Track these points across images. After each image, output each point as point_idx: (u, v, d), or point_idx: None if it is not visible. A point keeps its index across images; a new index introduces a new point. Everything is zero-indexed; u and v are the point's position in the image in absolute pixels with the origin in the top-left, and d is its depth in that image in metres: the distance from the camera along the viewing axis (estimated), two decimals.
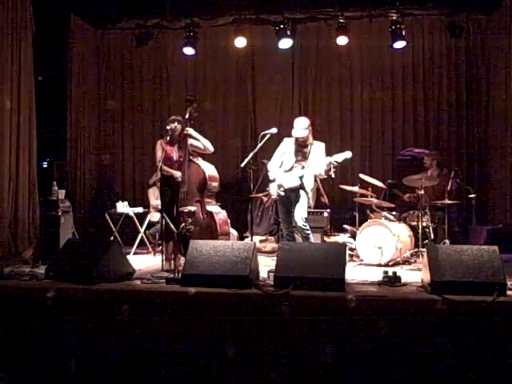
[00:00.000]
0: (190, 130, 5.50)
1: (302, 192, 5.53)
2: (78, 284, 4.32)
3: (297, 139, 5.60)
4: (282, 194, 5.55)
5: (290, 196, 5.58)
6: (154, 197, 7.11)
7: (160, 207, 6.82)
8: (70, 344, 4.06)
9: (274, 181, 5.63)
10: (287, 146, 5.68)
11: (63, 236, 5.86)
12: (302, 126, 5.57)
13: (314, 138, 5.69)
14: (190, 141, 5.52)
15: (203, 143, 5.57)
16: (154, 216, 6.94)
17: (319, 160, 5.48)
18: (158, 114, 8.79)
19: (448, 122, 8.32)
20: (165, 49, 8.79)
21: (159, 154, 5.54)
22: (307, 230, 5.54)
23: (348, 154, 5.44)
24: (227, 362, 3.89)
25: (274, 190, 5.61)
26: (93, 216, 8.14)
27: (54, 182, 6.27)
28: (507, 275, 4.06)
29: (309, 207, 5.65)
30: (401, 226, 6.24)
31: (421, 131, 8.41)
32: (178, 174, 5.47)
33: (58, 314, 4.15)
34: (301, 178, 5.51)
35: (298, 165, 5.57)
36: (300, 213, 5.50)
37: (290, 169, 5.60)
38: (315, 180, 5.60)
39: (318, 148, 5.60)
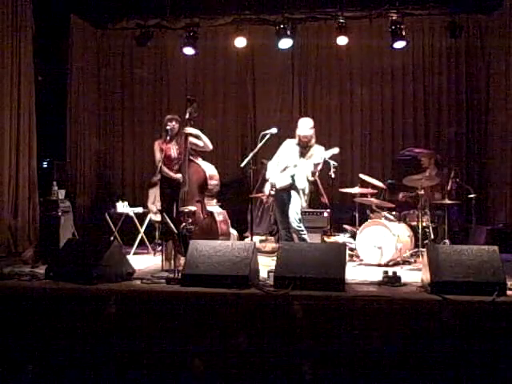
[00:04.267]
0: (190, 129, 5.49)
1: (294, 192, 5.55)
2: (78, 284, 4.32)
3: (300, 139, 5.63)
4: (273, 193, 5.59)
5: (283, 196, 5.60)
6: (152, 199, 7.08)
7: (154, 210, 6.84)
8: (71, 344, 4.06)
9: (268, 180, 5.67)
10: (288, 147, 5.71)
11: (63, 236, 5.88)
12: (307, 125, 5.64)
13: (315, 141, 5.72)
14: (190, 138, 5.52)
15: (203, 140, 5.57)
16: (156, 216, 6.93)
17: (311, 161, 5.49)
18: (157, 113, 8.77)
19: (448, 122, 8.32)
20: (165, 49, 8.79)
21: (158, 155, 5.55)
22: (302, 230, 5.55)
23: (335, 150, 5.47)
24: (227, 362, 3.89)
25: (267, 190, 5.66)
26: (93, 216, 8.15)
27: (54, 182, 6.28)
28: (507, 275, 4.07)
29: (302, 208, 5.65)
30: (401, 226, 6.24)
31: (421, 131, 8.40)
32: (177, 176, 5.46)
33: (58, 314, 4.14)
34: (292, 176, 5.53)
35: (292, 165, 5.59)
36: (293, 214, 5.52)
37: (284, 169, 5.63)
38: (307, 180, 5.61)
39: (316, 151, 5.61)
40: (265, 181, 5.79)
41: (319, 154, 5.56)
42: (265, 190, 5.73)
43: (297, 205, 5.52)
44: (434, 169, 6.92)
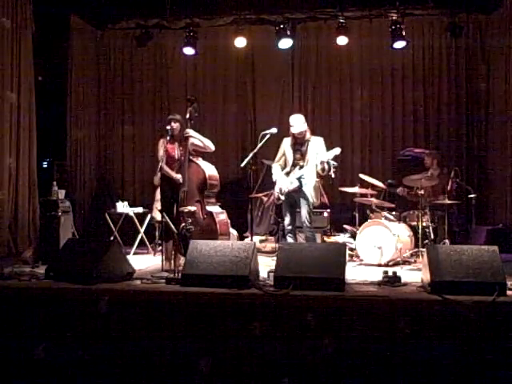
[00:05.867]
0: (191, 132, 5.50)
1: (302, 192, 5.57)
2: (78, 284, 4.32)
3: (295, 137, 5.62)
4: (283, 198, 5.62)
5: (294, 196, 5.64)
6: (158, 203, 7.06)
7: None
8: (70, 344, 4.06)
9: (276, 183, 5.70)
10: (286, 146, 5.72)
11: (63, 236, 5.87)
12: (299, 121, 5.62)
13: (314, 134, 5.73)
14: (191, 139, 5.52)
15: (204, 143, 5.59)
16: (157, 214, 6.89)
17: (319, 155, 5.48)
18: (157, 113, 8.79)
19: (448, 122, 8.32)
20: (165, 49, 8.79)
21: (161, 152, 5.53)
22: (311, 230, 5.62)
23: (337, 151, 5.42)
24: (227, 362, 3.89)
25: (277, 194, 5.71)
26: (93, 216, 8.14)
27: (54, 182, 6.28)
28: (507, 275, 4.07)
29: (313, 206, 5.70)
30: (401, 226, 6.24)
31: (421, 131, 8.40)
32: (177, 176, 5.46)
33: (58, 314, 4.14)
34: (299, 179, 5.54)
35: (296, 165, 5.61)
36: (305, 213, 5.57)
37: (290, 171, 5.64)
38: (316, 176, 5.62)
39: (316, 143, 5.60)
40: (272, 183, 5.82)
41: (322, 146, 5.56)
42: (274, 192, 5.76)
43: (308, 204, 5.58)
44: (436, 169, 6.92)
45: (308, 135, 5.64)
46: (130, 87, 8.92)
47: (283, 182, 5.60)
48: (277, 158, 5.81)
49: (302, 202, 5.56)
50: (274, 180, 5.73)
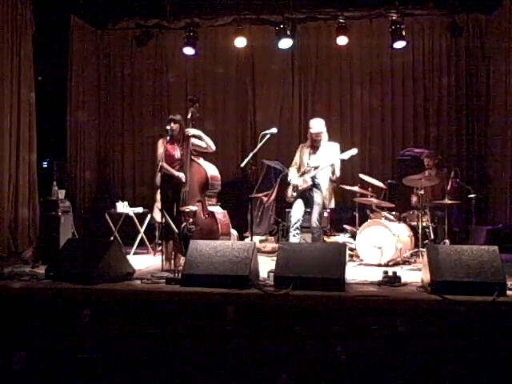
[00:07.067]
0: (192, 131, 5.49)
1: (316, 192, 5.71)
2: (78, 284, 4.32)
3: (312, 138, 5.82)
4: (295, 194, 5.79)
5: (307, 195, 5.79)
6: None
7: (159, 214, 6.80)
8: (70, 344, 4.06)
9: (290, 183, 5.89)
10: (302, 150, 5.94)
11: (63, 236, 5.87)
12: (319, 123, 5.84)
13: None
14: (192, 140, 5.52)
15: (206, 142, 5.56)
16: (157, 215, 6.89)
17: (331, 159, 5.64)
18: (157, 113, 8.79)
19: (448, 122, 8.33)
20: (165, 49, 8.79)
21: (160, 151, 5.50)
22: (319, 231, 5.73)
23: (354, 151, 5.64)
24: (227, 363, 3.89)
25: (290, 193, 5.89)
26: (93, 216, 8.14)
27: (54, 182, 6.28)
28: (507, 275, 4.07)
29: (325, 208, 5.89)
30: (401, 226, 6.24)
31: (421, 131, 8.41)
32: (181, 175, 5.44)
33: (58, 314, 4.14)
34: (313, 178, 5.71)
35: (310, 166, 5.76)
36: (315, 214, 5.69)
37: (304, 171, 5.80)
38: (329, 180, 5.78)
39: (331, 148, 5.78)
40: (285, 184, 5.97)
41: (337, 152, 5.71)
42: (288, 192, 5.92)
43: (319, 205, 5.70)
44: (435, 169, 6.92)
45: (325, 140, 5.82)
46: (129, 87, 8.92)
47: (297, 180, 5.80)
48: (293, 163, 6.03)
49: (315, 203, 5.71)
50: (288, 180, 5.91)
